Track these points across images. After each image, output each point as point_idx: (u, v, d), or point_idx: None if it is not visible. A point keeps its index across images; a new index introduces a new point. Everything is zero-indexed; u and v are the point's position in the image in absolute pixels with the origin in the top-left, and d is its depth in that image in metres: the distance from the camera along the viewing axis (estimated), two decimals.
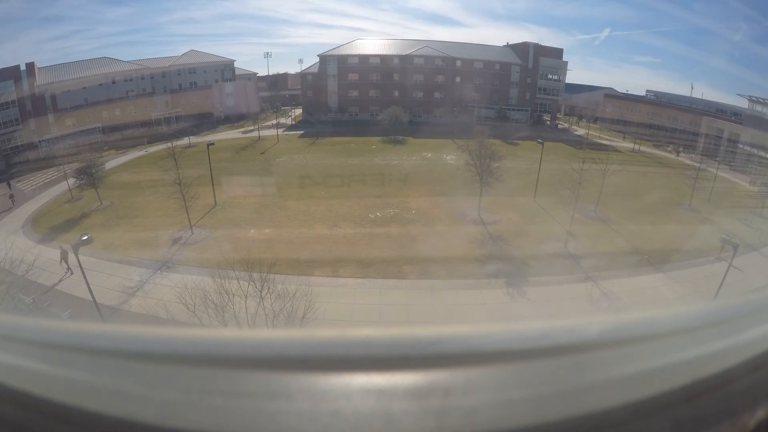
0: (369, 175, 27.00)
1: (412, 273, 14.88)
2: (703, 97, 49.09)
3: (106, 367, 0.56)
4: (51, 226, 20.04)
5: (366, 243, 17.34)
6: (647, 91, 55.48)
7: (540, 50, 51.37)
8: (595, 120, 52.43)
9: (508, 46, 54.06)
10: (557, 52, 52.35)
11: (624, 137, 45.08)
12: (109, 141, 38.14)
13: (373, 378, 0.51)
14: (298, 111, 54.06)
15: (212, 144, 23.83)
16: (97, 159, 24.53)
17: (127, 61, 44.79)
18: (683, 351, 0.58)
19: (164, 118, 44.98)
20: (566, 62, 52.32)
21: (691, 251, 16.45)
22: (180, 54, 49.59)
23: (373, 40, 53.09)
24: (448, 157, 30.56)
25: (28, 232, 19.60)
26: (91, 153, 24.80)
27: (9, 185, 20.43)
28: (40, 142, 35.87)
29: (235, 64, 52.06)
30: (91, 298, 11.24)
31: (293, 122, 50.67)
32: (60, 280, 14.35)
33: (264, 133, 41.62)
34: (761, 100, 37.93)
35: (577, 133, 48.44)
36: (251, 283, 9.92)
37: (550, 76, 52.09)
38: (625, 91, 56.11)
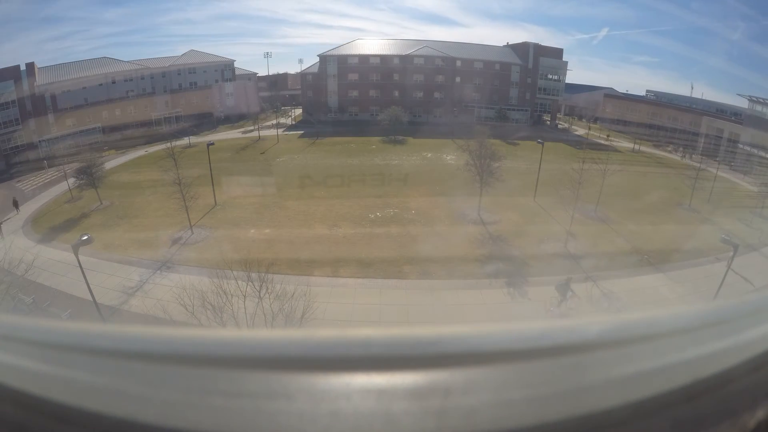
0: (369, 175, 27.00)
1: (412, 273, 14.88)
2: (703, 97, 49.17)
3: (106, 367, 0.56)
4: (51, 226, 20.04)
5: (366, 243, 17.33)
6: (647, 91, 55.58)
7: (540, 50, 51.38)
8: (595, 120, 52.44)
9: (508, 46, 54.07)
10: (557, 52, 52.36)
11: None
12: (109, 141, 38.15)
13: (373, 378, 0.51)
14: (298, 111, 54.07)
15: (212, 144, 23.83)
16: (97, 159, 24.54)
17: (127, 61, 44.80)
18: (683, 351, 0.58)
19: (164, 118, 44.99)
20: (566, 62, 52.39)
21: (691, 251, 16.45)
22: (180, 54, 49.62)
23: (372, 40, 53.12)
24: (448, 157, 30.56)
25: (28, 232, 19.60)
26: (91, 153, 24.81)
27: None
28: (40, 142, 35.88)
29: (235, 64, 52.09)
30: (91, 298, 11.24)
31: (293, 122, 50.68)
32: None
33: (264, 133, 41.63)
34: (761, 100, 37.93)
35: (577, 133, 48.44)
36: (250, 283, 9.92)
37: (550, 76, 52.10)
38: (625, 91, 56.20)
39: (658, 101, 51.43)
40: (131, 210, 21.59)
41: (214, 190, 21.82)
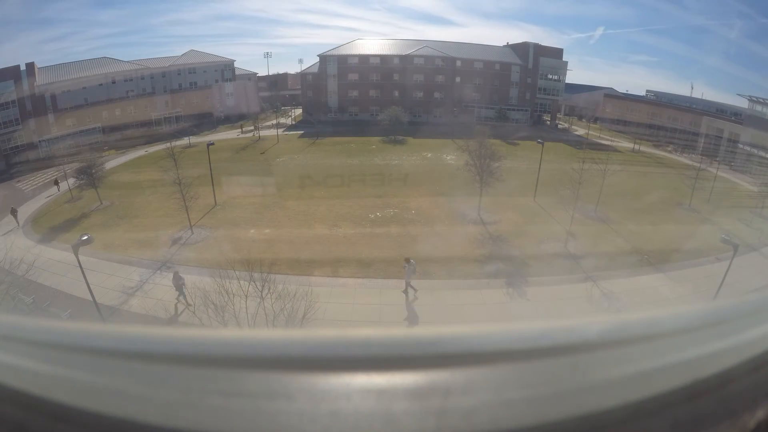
0: (369, 175, 27.00)
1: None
2: (703, 97, 49.16)
3: (106, 367, 0.56)
4: (51, 226, 20.04)
5: (366, 243, 17.33)
6: (647, 91, 55.56)
7: (540, 50, 51.39)
8: (595, 120, 52.44)
9: (508, 46, 54.08)
10: (557, 52, 52.37)
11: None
12: (109, 141, 38.15)
13: (373, 378, 0.51)
14: (298, 111, 54.07)
15: (212, 144, 23.82)
16: (97, 159, 24.54)
17: (127, 61, 44.81)
18: (683, 351, 0.58)
19: (164, 118, 45.00)
20: (566, 62, 52.40)
21: (691, 251, 16.44)
22: (179, 54, 49.62)
23: (372, 40, 53.13)
24: (448, 157, 30.55)
25: (28, 232, 19.60)
26: (91, 153, 24.79)
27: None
28: (40, 142, 35.90)
29: (235, 65, 52.10)
30: (91, 298, 11.24)
31: (293, 122, 50.68)
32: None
33: (264, 133, 41.63)
34: (761, 100, 37.94)
35: (577, 133, 48.45)
36: (251, 283, 9.92)
37: (550, 76, 52.11)
38: (625, 91, 56.21)
39: (658, 101, 51.43)
40: (131, 210, 21.60)
41: (214, 190, 21.82)
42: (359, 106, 50.02)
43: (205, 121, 46.75)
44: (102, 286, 13.20)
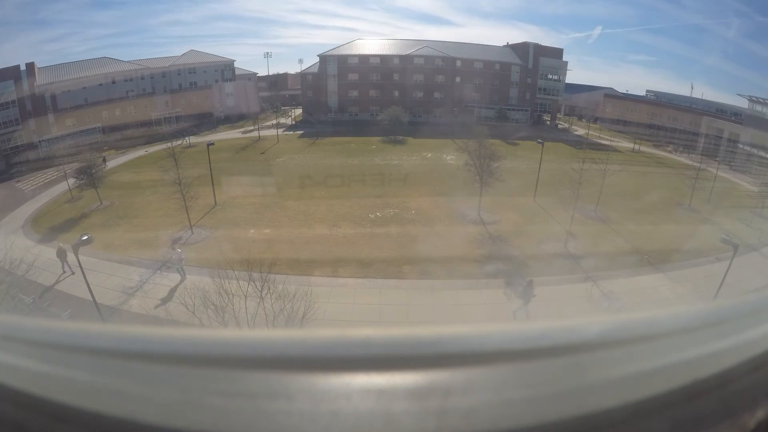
0: (369, 175, 27.00)
1: (412, 273, 14.88)
2: (703, 97, 49.18)
3: (106, 367, 0.56)
4: (51, 226, 20.04)
5: (366, 243, 17.33)
6: (647, 91, 55.59)
7: (540, 50, 51.39)
8: (595, 120, 52.44)
9: (507, 46, 54.09)
10: (557, 52, 52.38)
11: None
12: (109, 141, 38.15)
13: (373, 378, 0.51)
14: (298, 111, 54.07)
15: (212, 144, 23.82)
16: (97, 159, 24.54)
17: (127, 61, 44.80)
18: (683, 351, 0.58)
19: (164, 118, 44.98)
20: (566, 62, 52.41)
21: (691, 251, 16.45)
22: (179, 54, 49.63)
23: (372, 40, 53.14)
24: (448, 157, 30.55)
25: (28, 232, 19.60)
26: (91, 153, 24.79)
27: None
28: (40, 142, 35.88)
29: (235, 65, 52.10)
30: (91, 298, 11.24)
31: (293, 122, 50.68)
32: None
33: (264, 133, 41.62)
34: (761, 100, 37.94)
35: (577, 133, 48.45)
36: (251, 283, 9.92)
37: (550, 76, 52.11)
38: (625, 91, 56.22)
39: (658, 101, 51.43)
40: (131, 210, 21.59)
41: (214, 190, 21.83)
42: (359, 106, 50.03)
43: (205, 121, 46.75)
44: (102, 286, 13.21)
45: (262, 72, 62.15)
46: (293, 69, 63.80)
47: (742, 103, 40.52)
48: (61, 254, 14.77)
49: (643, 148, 40.60)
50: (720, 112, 44.11)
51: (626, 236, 18.31)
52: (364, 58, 49.63)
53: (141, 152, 35.96)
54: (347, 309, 12.61)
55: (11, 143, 35.73)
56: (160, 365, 0.55)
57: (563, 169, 20.77)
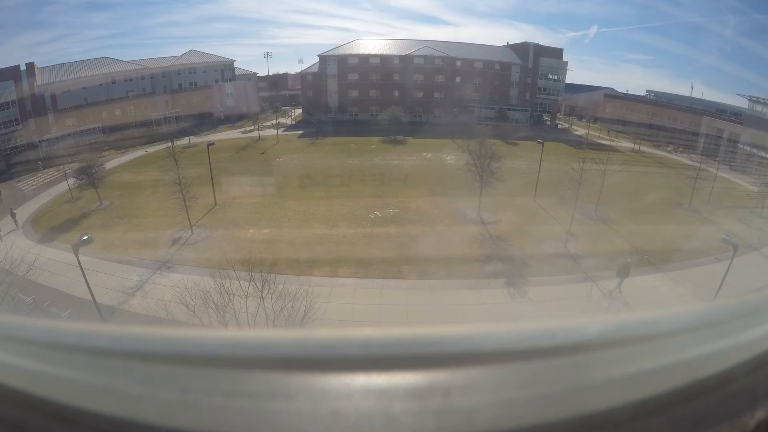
0: (369, 175, 27.00)
1: (412, 273, 14.88)
2: (703, 97, 49.19)
3: (106, 367, 0.56)
4: (51, 226, 20.04)
5: (366, 243, 17.34)
6: (647, 91, 55.61)
7: (540, 50, 51.40)
8: (595, 120, 52.45)
9: (507, 46, 54.11)
10: (557, 52, 52.40)
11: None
12: (109, 141, 38.15)
13: (373, 378, 0.51)
14: (298, 111, 54.07)
15: (212, 144, 23.83)
16: (97, 159, 24.54)
17: (127, 61, 44.80)
18: (683, 351, 0.58)
19: (164, 118, 44.98)
20: (566, 62, 52.42)
21: (691, 251, 16.45)
22: (179, 54, 49.64)
23: (372, 40, 53.15)
24: (448, 157, 30.55)
25: (28, 232, 19.60)
26: (91, 153, 24.80)
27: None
28: (40, 142, 35.88)
29: (235, 65, 52.11)
30: (91, 298, 11.24)
31: (293, 122, 50.68)
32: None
33: (264, 133, 41.63)
34: (761, 100, 37.94)
35: (577, 133, 48.45)
36: (252, 283, 9.92)
37: (550, 76, 52.11)
38: (625, 91, 56.25)
39: (658, 101, 51.44)
40: (131, 210, 21.60)
41: (214, 190, 21.83)
42: (359, 106, 50.03)
43: (205, 121, 46.74)
44: (102, 286, 13.20)
45: (262, 72, 62.25)
46: (292, 69, 64.01)
47: (742, 103, 40.59)
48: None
49: (643, 148, 40.61)
50: (720, 112, 44.11)
51: (626, 236, 18.30)
52: (364, 58, 49.63)
53: (141, 152, 35.98)
54: (347, 309, 12.61)
55: (11, 143, 35.73)
56: (160, 365, 0.55)
57: (563, 169, 20.77)
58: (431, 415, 0.47)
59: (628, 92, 55.61)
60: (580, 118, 55.26)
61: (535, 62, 51.07)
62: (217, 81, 50.01)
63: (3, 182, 28.91)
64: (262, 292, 9.79)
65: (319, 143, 38.73)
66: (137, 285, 14.09)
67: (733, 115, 42.01)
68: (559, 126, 52.49)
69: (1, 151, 34.48)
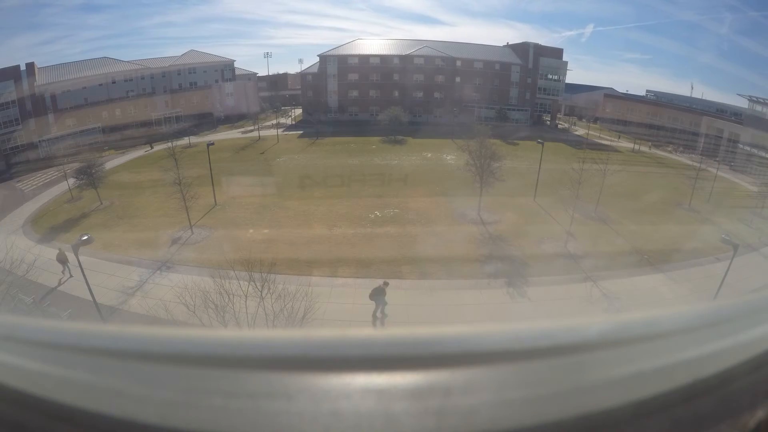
0: (369, 175, 26.99)
1: (412, 273, 14.88)
2: (703, 97, 49.20)
3: (106, 367, 0.56)
4: (51, 226, 20.04)
5: (366, 243, 17.34)
6: (647, 91, 55.63)
7: (540, 50, 51.41)
8: (595, 120, 52.46)
9: (507, 46, 54.12)
10: (557, 52, 52.41)
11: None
12: (108, 141, 38.15)
13: (373, 378, 0.51)
14: (298, 111, 54.08)
15: (212, 144, 23.83)
16: (97, 159, 24.55)
17: (127, 61, 44.79)
18: (683, 351, 0.58)
19: (164, 118, 45.00)
20: (566, 62, 52.47)
21: (691, 251, 16.45)
22: (178, 54, 49.61)
23: (372, 40, 53.17)
24: (448, 157, 30.55)
25: (28, 232, 19.60)
26: (91, 153, 24.81)
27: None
28: (40, 142, 35.89)
29: (235, 65, 52.11)
30: (91, 298, 11.24)
31: (293, 122, 50.69)
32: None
33: (264, 133, 41.64)
34: (761, 100, 37.96)
35: (577, 133, 48.46)
36: (251, 283, 9.92)
37: (550, 76, 52.12)
38: (625, 91, 56.25)
39: (657, 101, 51.44)
40: (131, 210, 21.60)
41: (214, 190, 21.83)
42: (359, 106, 50.03)
43: (205, 121, 46.74)
44: (102, 286, 13.20)
45: (261, 72, 62.24)
46: (292, 69, 64.05)
47: (742, 103, 40.62)
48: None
49: (643, 148, 40.62)
50: (720, 112, 44.12)
51: (626, 236, 18.31)
52: (364, 58, 49.63)
53: (141, 152, 35.97)
54: (347, 309, 12.61)
55: (11, 143, 35.73)
56: (160, 365, 0.55)
57: (563, 169, 20.77)
58: (431, 415, 0.47)
59: (628, 92, 55.70)
60: (580, 118, 55.29)
61: (535, 62, 51.08)
62: (216, 81, 50.02)
63: (3, 182, 28.93)
64: (261, 292, 9.79)
65: (319, 143, 38.72)
66: (137, 285, 14.09)
67: (733, 115, 42.02)
68: (559, 126, 52.50)
69: (1, 151, 34.48)
